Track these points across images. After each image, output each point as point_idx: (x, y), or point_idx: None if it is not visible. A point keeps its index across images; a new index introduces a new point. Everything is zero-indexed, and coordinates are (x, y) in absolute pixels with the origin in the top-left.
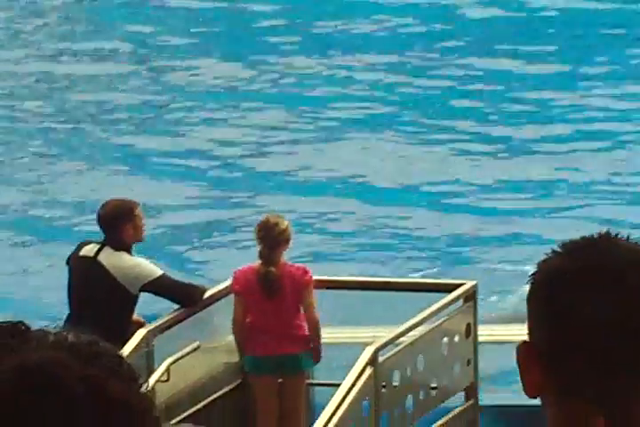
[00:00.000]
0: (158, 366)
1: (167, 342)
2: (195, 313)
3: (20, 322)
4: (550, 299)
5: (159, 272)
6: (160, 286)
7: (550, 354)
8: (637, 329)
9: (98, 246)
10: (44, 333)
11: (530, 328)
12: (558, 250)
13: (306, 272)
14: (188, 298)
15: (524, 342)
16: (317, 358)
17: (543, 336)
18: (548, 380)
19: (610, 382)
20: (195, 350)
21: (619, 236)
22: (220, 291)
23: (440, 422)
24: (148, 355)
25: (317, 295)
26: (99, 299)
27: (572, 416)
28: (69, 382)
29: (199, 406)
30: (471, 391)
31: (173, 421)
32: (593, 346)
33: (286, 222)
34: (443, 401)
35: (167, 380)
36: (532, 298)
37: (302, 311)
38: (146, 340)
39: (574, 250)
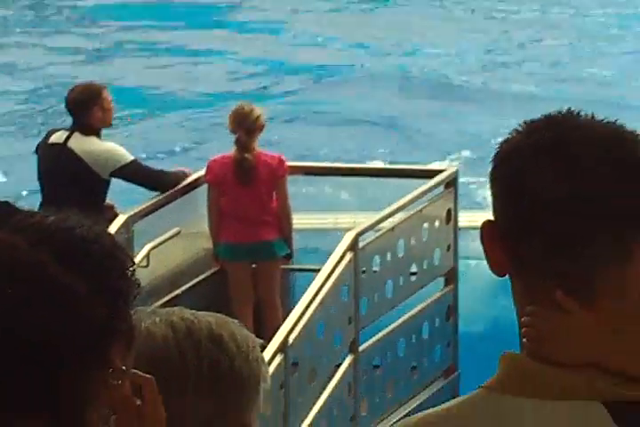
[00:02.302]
0: (138, 252)
1: (147, 228)
2: (174, 199)
3: (5, 203)
4: (506, 177)
5: (130, 158)
6: (130, 172)
7: (508, 232)
8: (590, 206)
9: (67, 133)
10: (24, 215)
11: (493, 207)
12: (519, 129)
13: (281, 162)
14: (158, 185)
15: (488, 221)
16: (290, 248)
17: (502, 215)
18: (509, 258)
19: (565, 258)
20: (175, 235)
21: (581, 113)
22: (198, 178)
23: (419, 307)
24: (127, 241)
25: (296, 181)
26: (70, 184)
27: (533, 292)
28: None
29: (178, 291)
30: (451, 277)
31: (153, 306)
32: (547, 224)
33: (260, 110)
34: (422, 286)
35: (147, 265)
36: (492, 177)
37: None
38: (126, 225)
39: (533, 128)
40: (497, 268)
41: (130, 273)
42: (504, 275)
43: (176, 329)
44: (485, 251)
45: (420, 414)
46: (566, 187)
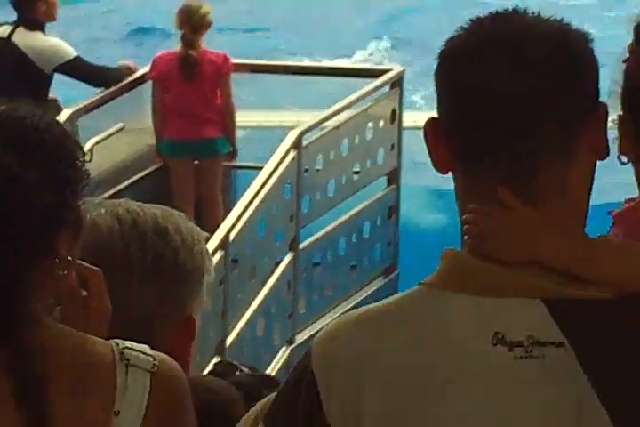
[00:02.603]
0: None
1: (91, 124)
2: (119, 95)
3: None
4: (450, 73)
5: (74, 54)
6: (74, 68)
7: (453, 128)
8: (537, 101)
9: (11, 27)
10: None
11: (437, 104)
12: (465, 26)
13: (226, 60)
14: (102, 81)
15: (432, 118)
16: (233, 146)
17: (445, 111)
18: (452, 155)
19: (509, 154)
20: (119, 131)
21: (528, 11)
22: (143, 75)
23: (361, 206)
24: None
25: (241, 79)
26: (13, 79)
27: (475, 189)
28: None
29: (122, 186)
30: (394, 176)
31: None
32: (494, 119)
33: (208, 7)
34: (365, 185)
35: (90, 160)
36: (436, 73)
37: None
38: (70, 120)
39: (478, 25)
40: (440, 165)
41: (80, 163)
42: (447, 172)
43: (121, 221)
44: (429, 148)
45: (360, 309)
46: (515, 82)
